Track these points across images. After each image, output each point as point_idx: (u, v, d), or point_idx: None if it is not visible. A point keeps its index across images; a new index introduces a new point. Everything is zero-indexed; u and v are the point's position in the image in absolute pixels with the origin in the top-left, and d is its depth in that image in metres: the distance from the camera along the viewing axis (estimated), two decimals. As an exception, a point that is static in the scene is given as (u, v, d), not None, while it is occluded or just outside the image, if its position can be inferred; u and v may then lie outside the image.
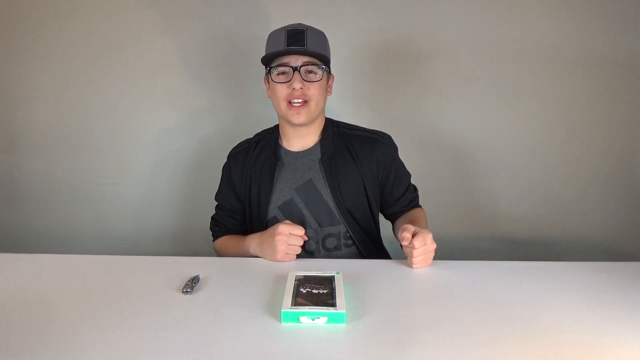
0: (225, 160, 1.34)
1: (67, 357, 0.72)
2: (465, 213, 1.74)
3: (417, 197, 1.36)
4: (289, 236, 1.09)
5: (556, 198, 1.74)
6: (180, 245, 1.80)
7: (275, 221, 1.20)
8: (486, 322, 0.82)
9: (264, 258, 1.13)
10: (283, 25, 1.19)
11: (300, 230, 1.10)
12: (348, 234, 1.24)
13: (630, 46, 1.64)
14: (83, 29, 1.68)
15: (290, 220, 1.19)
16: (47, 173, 1.77)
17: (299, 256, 1.12)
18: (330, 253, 1.25)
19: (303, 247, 1.13)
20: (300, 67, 1.15)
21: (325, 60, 1.18)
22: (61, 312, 0.86)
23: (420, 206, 1.37)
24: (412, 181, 1.36)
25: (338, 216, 1.23)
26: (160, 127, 1.74)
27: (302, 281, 0.93)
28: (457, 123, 1.71)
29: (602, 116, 1.69)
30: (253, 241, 1.16)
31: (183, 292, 0.93)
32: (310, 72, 1.17)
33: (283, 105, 1.18)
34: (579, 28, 1.63)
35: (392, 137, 1.32)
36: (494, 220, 1.75)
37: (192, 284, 0.95)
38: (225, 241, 1.32)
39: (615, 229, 1.74)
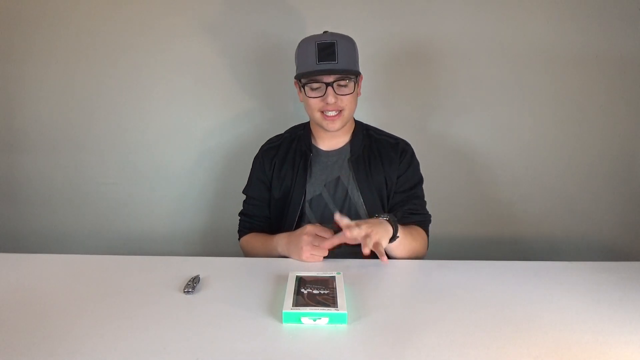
0: (251, 158, 1.38)
1: (66, 356, 0.72)
2: (466, 213, 1.74)
3: (423, 216, 1.30)
4: (315, 237, 1.10)
5: (556, 198, 1.74)
6: (183, 246, 1.80)
7: (304, 216, 1.27)
8: (486, 322, 0.82)
9: (292, 257, 1.14)
10: (312, 35, 1.22)
11: (326, 233, 1.11)
12: None
13: (634, 47, 1.64)
14: (87, 29, 1.68)
15: (317, 214, 1.26)
16: (48, 173, 1.77)
17: (326, 257, 1.12)
18: (350, 248, 1.24)
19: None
20: (333, 82, 1.19)
21: (355, 73, 1.22)
22: (61, 312, 0.86)
23: (422, 227, 1.29)
24: None
25: (364, 213, 1.27)
26: (169, 128, 1.75)
27: (302, 281, 0.93)
28: (464, 125, 1.71)
29: (603, 116, 1.69)
30: (281, 240, 1.18)
31: (184, 292, 0.93)
32: (342, 85, 1.20)
33: (317, 115, 1.23)
34: (591, 29, 1.63)
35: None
36: (495, 220, 1.76)
37: (193, 284, 0.95)
38: (252, 238, 1.33)
39: (615, 229, 1.74)
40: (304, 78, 1.20)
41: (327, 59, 1.17)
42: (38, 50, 1.70)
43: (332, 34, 1.22)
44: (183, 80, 1.70)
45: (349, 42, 1.23)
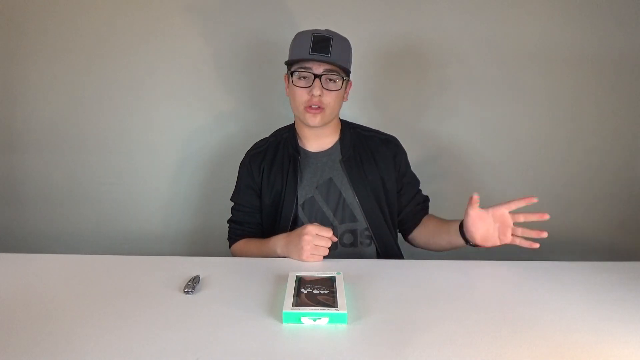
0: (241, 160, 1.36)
1: (67, 357, 0.72)
2: (462, 213, 1.74)
3: (427, 202, 1.37)
4: (315, 237, 1.09)
5: (556, 198, 1.74)
6: (183, 246, 1.80)
7: (297, 220, 1.25)
8: (486, 322, 0.82)
9: (292, 258, 1.13)
10: (310, 29, 1.21)
11: (327, 232, 1.10)
12: (367, 232, 1.27)
13: (630, 47, 1.64)
14: (88, 29, 1.68)
15: (310, 217, 1.25)
16: (47, 173, 1.77)
17: (326, 257, 1.12)
18: (346, 249, 1.27)
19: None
20: (322, 74, 1.17)
21: (346, 71, 1.20)
22: (61, 312, 0.86)
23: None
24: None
25: (360, 213, 1.26)
26: (167, 127, 1.75)
27: (302, 282, 0.93)
28: (460, 124, 1.71)
29: (603, 117, 1.70)
30: (280, 242, 1.17)
31: (185, 292, 0.93)
32: (330, 80, 1.19)
33: (301, 108, 1.21)
34: (583, 29, 1.64)
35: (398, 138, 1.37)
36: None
37: (193, 284, 0.95)
38: (245, 244, 1.31)
39: (615, 229, 1.75)
40: (293, 65, 1.19)
41: (320, 51, 1.16)
42: (37, 51, 1.70)
43: (331, 31, 1.21)
44: (176, 82, 1.70)
45: (345, 42, 1.22)
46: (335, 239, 1.13)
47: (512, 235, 1.07)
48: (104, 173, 1.77)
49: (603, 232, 1.75)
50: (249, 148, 1.37)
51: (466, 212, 1.11)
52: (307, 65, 1.17)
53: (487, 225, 1.09)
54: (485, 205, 1.09)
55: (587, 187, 1.73)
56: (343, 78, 1.20)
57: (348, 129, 1.32)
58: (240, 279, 1.02)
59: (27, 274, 1.04)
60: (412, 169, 1.37)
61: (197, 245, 1.79)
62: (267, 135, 1.38)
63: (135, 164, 1.76)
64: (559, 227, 1.74)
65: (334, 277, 0.95)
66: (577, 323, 0.82)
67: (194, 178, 1.77)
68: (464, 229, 1.13)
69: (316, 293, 0.88)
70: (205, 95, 1.72)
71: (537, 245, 1.03)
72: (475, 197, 1.08)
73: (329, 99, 1.19)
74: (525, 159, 1.73)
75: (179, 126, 1.74)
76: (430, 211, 1.37)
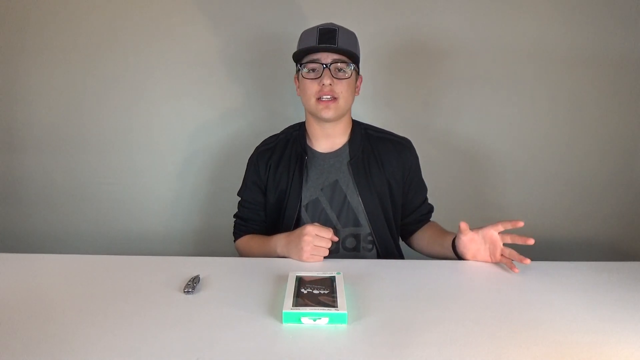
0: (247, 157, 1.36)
1: (67, 357, 0.72)
2: (466, 212, 1.74)
3: (430, 214, 1.36)
4: (315, 237, 1.09)
5: (557, 198, 1.74)
6: (184, 245, 1.80)
7: (300, 221, 1.24)
8: (486, 322, 0.82)
9: (291, 258, 1.13)
10: (315, 25, 1.21)
11: (327, 233, 1.10)
12: (370, 237, 1.26)
13: (634, 46, 1.64)
14: (88, 27, 1.68)
15: (314, 219, 1.23)
16: (47, 173, 1.77)
17: (326, 257, 1.12)
18: (348, 253, 1.26)
19: None
20: (330, 64, 1.17)
21: (355, 59, 1.20)
22: (61, 312, 0.86)
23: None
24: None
25: (364, 218, 1.24)
26: (168, 127, 1.75)
27: (302, 282, 0.93)
28: (469, 123, 1.71)
29: (605, 117, 1.70)
30: (280, 241, 1.16)
31: (185, 292, 0.93)
32: (339, 69, 1.18)
33: (312, 101, 1.19)
34: (590, 29, 1.64)
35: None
36: (495, 219, 1.75)
37: (193, 284, 0.95)
38: (248, 240, 1.31)
39: (615, 229, 1.75)
40: (302, 59, 1.19)
41: (327, 42, 1.16)
42: (37, 51, 1.70)
43: (336, 24, 1.20)
44: (181, 80, 1.70)
45: (351, 33, 1.22)
46: (336, 239, 1.13)
47: (501, 255, 1.09)
48: (105, 173, 1.76)
49: (603, 232, 1.75)
50: (255, 145, 1.36)
51: (457, 237, 1.12)
52: (315, 56, 1.17)
53: (477, 245, 1.10)
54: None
55: (587, 187, 1.73)
56: (352, 66, 1.19)
57: (359, 130, 1.30)
58: (240, 279, 1.02)
59: (27, 274, 1.04)
60: (421, 165, 1.36)
61: (200, 245, 1.79)
62: (278, 132, 1.36)
63: (136, 163, 1.76)
64: (559, 227, 1.75)
65: (334, 277, 0.95)
66: (577, 323, 0.82)
67: (198, 177, 1.76)
68: (456, 248, 1.14)
69: (316, 293, 0.88)
70: (210, 93, 1.71)
71: (517, 270, 1.04)
72: (463, 225, 1.09)
73: (340, 87, 1.18)
74: (529, 158, 1.72)
75: (182, 124, 1.73)
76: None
